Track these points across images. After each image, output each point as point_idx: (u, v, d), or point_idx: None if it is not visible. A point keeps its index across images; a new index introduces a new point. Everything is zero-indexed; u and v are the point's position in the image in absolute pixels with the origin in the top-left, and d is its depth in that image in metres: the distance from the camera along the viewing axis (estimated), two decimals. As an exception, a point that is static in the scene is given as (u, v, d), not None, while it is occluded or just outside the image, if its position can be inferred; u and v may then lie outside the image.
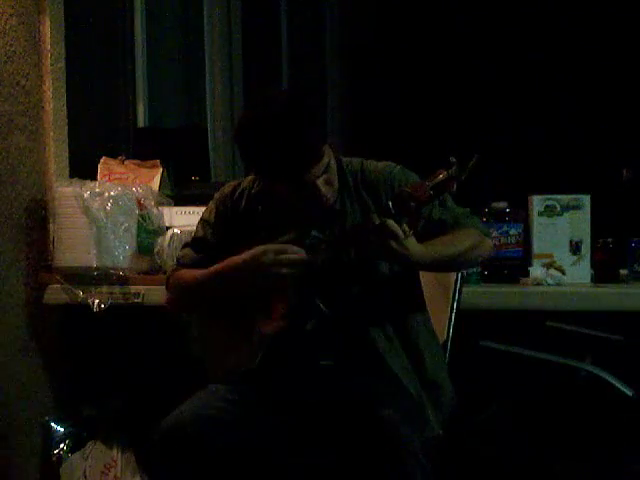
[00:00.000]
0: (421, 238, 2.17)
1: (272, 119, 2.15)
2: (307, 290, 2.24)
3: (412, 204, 2.08)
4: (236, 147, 2.29)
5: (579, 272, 2.92)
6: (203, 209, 2.48)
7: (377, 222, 2.08)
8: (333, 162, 2.24)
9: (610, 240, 2.91)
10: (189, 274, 2.38)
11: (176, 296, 2.45)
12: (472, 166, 2.07)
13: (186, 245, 2.48)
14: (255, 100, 2.29)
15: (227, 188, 2.44)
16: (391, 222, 2.07)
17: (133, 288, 2.99)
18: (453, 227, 2.27)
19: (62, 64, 3.24)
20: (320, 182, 2.20)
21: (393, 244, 2.07)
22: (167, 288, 2.46)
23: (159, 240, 3.02)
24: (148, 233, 3.07)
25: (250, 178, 2.42)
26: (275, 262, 2.19)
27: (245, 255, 2.23)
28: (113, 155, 3.37)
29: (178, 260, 2.48)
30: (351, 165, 2.36)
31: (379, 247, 2.09)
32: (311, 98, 2.41)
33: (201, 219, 2.46)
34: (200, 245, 2.43)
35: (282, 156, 2.14)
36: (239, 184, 2.43)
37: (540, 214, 2.94)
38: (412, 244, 2.12)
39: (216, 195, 2.45)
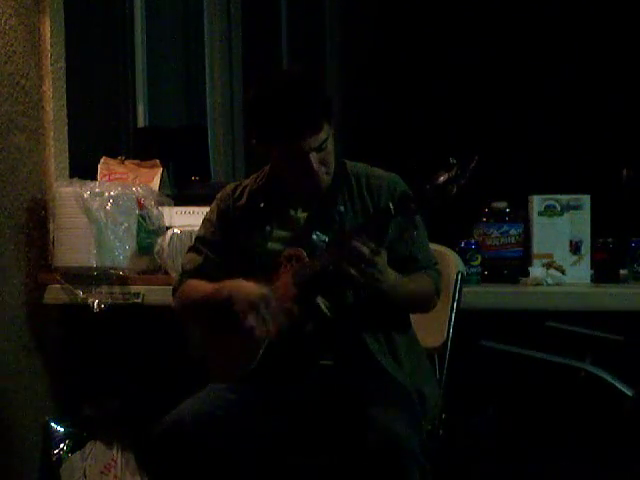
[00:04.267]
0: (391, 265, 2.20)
1: (283, 83, 2.24)
2: (309, 291, 2.24)
3: (412, 205, 2.09)
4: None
5: (579, 272, 2.91)
6: (203, 209, 2.49)
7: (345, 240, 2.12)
8: (332, 147, 2.26)
9: (610, 240, 2.90)
10: (195, 290, 2.38)
11: (183, 309, 2.45)
12: (472, 169, 2.07)
13: (189, 249, 2.48)
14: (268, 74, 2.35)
15: (228, 187, 2.46)
16: (358, 242, 2.10)
17: (133, 288, 2.99)
18: (419, 269, 2.32)
19: (62, 64, 3.23)
20: (314, 156, 2.21)
21: (358, 266, 2.11)
22: (174, 296, 2.46)
23: (159, 240, 3.02)
24: (148, 233, 3.07)
25: (252, 176, 2.44)
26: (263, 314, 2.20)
27: (246, 289, 2.23)
28: (113, 155, 3.37)
29: (183, 267, 2.48)
30: (356, 168, 2.38)
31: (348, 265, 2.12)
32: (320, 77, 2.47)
33: (203, 219, 2.47)
34: (203, 244, 2.42)
35: (284, 113, 2.18)
36: (240, 183, 2.46)
37: (540, 214, 2.94)
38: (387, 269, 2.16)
39: (218, 195, 2.46)
